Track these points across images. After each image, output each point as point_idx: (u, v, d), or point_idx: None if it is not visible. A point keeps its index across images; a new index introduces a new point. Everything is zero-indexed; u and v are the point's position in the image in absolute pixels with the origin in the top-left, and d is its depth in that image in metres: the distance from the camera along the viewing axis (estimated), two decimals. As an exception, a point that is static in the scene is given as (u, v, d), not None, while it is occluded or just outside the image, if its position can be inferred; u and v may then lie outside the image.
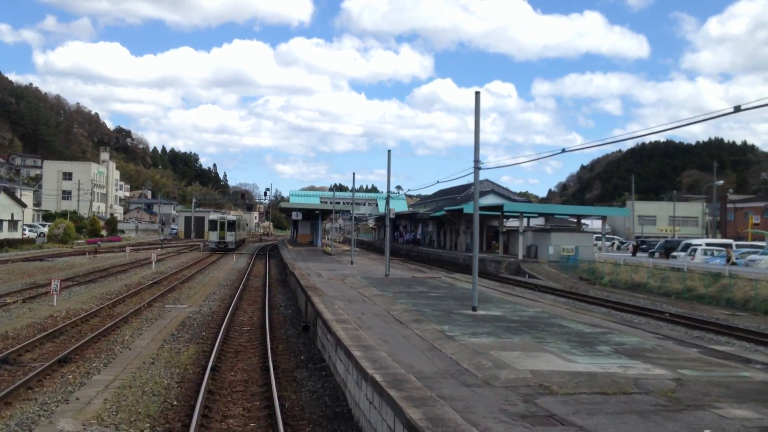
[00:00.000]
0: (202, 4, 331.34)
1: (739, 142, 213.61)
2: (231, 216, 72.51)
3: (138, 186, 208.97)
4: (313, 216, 67.57)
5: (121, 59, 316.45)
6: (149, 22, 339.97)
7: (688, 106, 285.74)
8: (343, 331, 13.63)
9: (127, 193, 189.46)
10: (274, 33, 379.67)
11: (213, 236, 69.69)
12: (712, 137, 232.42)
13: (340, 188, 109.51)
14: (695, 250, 45.41)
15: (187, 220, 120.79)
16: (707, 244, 47.67)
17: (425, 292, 23.14)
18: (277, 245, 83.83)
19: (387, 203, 37.67)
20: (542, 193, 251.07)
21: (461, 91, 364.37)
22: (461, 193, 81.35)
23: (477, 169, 17.56)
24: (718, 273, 34.31)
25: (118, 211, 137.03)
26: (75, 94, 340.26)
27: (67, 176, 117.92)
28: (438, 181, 51.11)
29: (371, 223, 61.60)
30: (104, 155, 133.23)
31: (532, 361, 10.26)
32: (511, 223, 65.89)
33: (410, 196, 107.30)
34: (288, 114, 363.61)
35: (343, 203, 74.03)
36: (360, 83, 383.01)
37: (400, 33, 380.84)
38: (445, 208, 62.31)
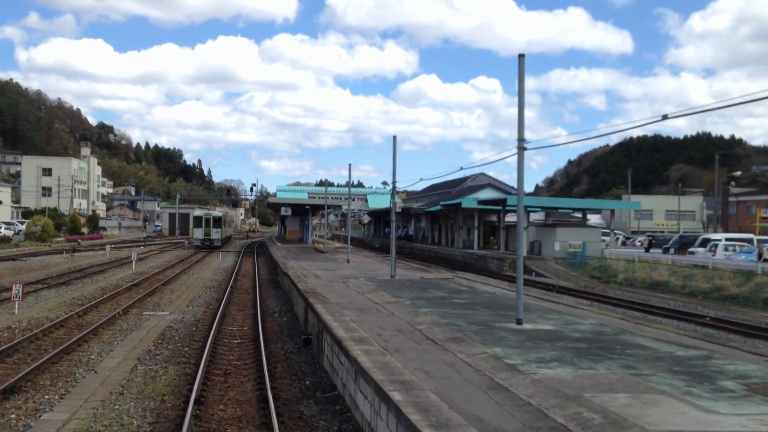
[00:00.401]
0: (186, 1, 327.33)
1: (726, 136, 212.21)
2: (216, 212, 69.25)
3: (121, 183, 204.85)
4: (302, 211, 64.38)
5: (104, 56, 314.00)
6: (133, 18, 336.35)
7: (672, 101, 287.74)
8: (365, 355, 10.60)
9: (110, 190, 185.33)
10: (259, 29, 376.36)
11: (198, 233, 66.35)
12: (699, 131, 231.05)
13: (324, 184, 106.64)
14: (716, 245, 42.63)
15: (172, 216, 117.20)
16: (727, 239, 44.89)
17: (446, 298, 20.04)
18: (264, 242, 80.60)
19: (393, 195, 34.64)
20: (528, 188, 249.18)
21: (446, 86, 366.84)
22: (456, 187, 78.43)
23: (521, 149, 14.43)
24: (749, 271, 31.49)
25: (101, 208, 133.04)
26: (58, 90, 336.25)
27: (47, 172, 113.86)
28: (439, 176, 47.84)
29: (366, 218, 58.27)
30: (85, 150, 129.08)
31: (654, 411, 7.20)
32: (510, 218, 63.08)
33: (397, 192, 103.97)
34: (273, 110, 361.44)
35: (332, 198, 70.74)
36: (345, 79, 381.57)
37: (384, 29, 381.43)
38: (442, 203, 59.35)
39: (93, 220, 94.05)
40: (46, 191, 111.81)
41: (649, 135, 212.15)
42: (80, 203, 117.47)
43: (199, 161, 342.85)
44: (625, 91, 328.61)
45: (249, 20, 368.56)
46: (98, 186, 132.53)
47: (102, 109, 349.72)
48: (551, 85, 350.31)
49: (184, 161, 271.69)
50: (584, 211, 57.67)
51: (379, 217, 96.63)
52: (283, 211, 55.68)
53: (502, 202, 51.33)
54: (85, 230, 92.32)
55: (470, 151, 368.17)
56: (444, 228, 71.34)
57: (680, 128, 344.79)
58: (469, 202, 53.58)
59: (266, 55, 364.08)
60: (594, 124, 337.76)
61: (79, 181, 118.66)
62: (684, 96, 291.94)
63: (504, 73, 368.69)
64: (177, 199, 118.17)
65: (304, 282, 25.08)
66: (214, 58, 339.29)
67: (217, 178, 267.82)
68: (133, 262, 43.06)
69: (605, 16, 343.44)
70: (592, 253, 46.38)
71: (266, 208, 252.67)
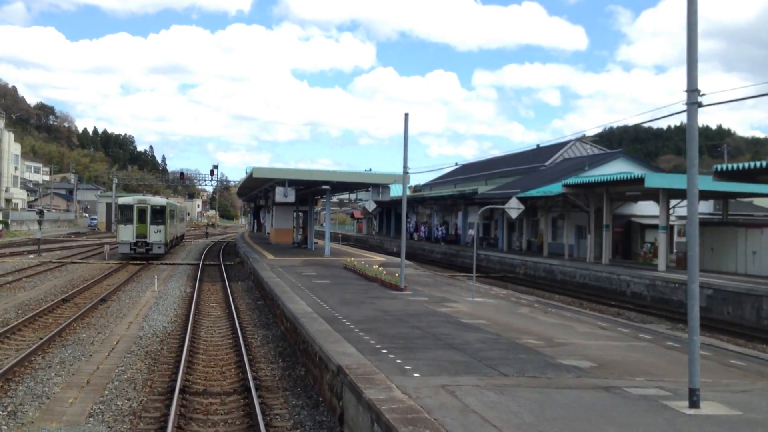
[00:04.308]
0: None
1: (713, 127, 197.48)
2: (157, 199, 42.97)
3: (62, 170, 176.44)
4: (305, 197, 38.80)
5: (56, 45, 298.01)
6: (84, 7, 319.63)
7: (624, 97, 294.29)
8: None
9: (46, 177, 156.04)
10: (213, 20, 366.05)
11: (125, 233, 40.23)
12: (683, 122, 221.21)
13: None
14: None
15: (108, 207, 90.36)
16: None
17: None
18: (235, 245, 54.51)
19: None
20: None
21: (403, 79, 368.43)
22: (516, 165, 53.21)
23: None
24: None
25: (20, 196, 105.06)
26: (8, 80, 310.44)
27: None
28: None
29: (371, 206, 32.77)
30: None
31: None
32: (642, 209, 38.78)
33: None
34: (229, 102, 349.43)
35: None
36: (302, 72, 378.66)
37: (341, 22, 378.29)
38: (567, 182, 34.26)
39: (-15, 211, 66.66)
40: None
41: (630, 125, 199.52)
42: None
43: (151, 147, 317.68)
44: (578, 87, 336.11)
45: (202, 12, 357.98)
46: (16, 168, 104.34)
47: (54, 99, 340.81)
48: (506, 80, 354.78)
49: (135, 148, 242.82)
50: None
51: (389, 208, 71.27)
52: (280, 195, 30.06)
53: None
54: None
55: (428, 145, 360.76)
56: (527, 226, 46.36)
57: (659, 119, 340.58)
58: (655, 179, 28.70)
59: (221, 46, 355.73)
60: (549, 119, 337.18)
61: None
62: (635, 92, 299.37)
63: (461, 67, 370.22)
64: (113, 185, 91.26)
65: None
66: (168, 49, 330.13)
67: (172, 168, 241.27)
68: None
69: (560, 11, 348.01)
70: None
71: (226, 199, 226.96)
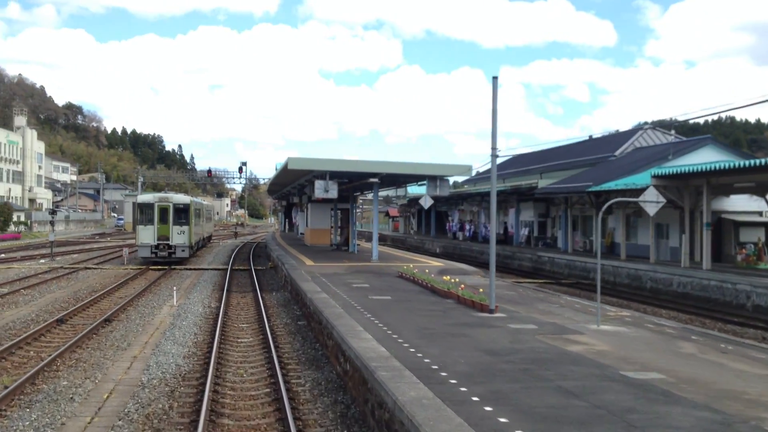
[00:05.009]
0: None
1: (752, 121, 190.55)
2: (180, 197, 38.31)
3: (90, 170, 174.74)
4: (345, 194, 33.95)
5: (85, 46, 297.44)
6: (113, 10, 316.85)
7: (653, 93, 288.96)
8: None
9: (74, 177, 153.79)
10: (240, 21, 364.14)
11: (145, 235, 35.79)
12: (722, 116, 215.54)
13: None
14: None
15: (134, 208, 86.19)
16: None
17: None
18: (266, 246, 49.94)
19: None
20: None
21: (429, 77, 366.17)
22: (590, 154, 47.76)
23: None
24: None
25: (44, 196, 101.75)
26: (36, 80, 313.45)
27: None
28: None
29: (426, 203, 27.67)
30: (19, 120, 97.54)
31: None
32: (735, 204, 33.48)
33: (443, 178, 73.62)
34: (256, 101, 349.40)
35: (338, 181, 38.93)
36: (328, 71, 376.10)
37: (366, 21, 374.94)
38: (657, 172, 28.98)
39: (3, 211, 62.92)
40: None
41: (666, 120, 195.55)
42: (9, 189, 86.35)
43: (180, 147, 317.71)
44: (607, 82, 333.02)
45: (229, 13, 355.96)
46: (40, 167, 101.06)
47: (83, 100, 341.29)
48: (533, 77, 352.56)
49: (164, 147, 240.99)
50: None
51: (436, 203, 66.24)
52: (320, 190, 25.31)
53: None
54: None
55: (454, 143, 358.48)
56: (587, 224, 41.15)
57: (692, 112, 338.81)
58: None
59: (248, 46, 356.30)
60: (577, 116, 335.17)
61: (8, 160, 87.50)
62: (665, 87, 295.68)
63: (487, 65, 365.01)
64: (139, 185, 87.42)
65: None
66: (196, 49, 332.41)
67: (200, 168, 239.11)
68: None
69: (587, 6, 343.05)
70: None
71: (255, 198, 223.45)
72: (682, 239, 30.31)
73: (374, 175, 27.25)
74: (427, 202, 27.79)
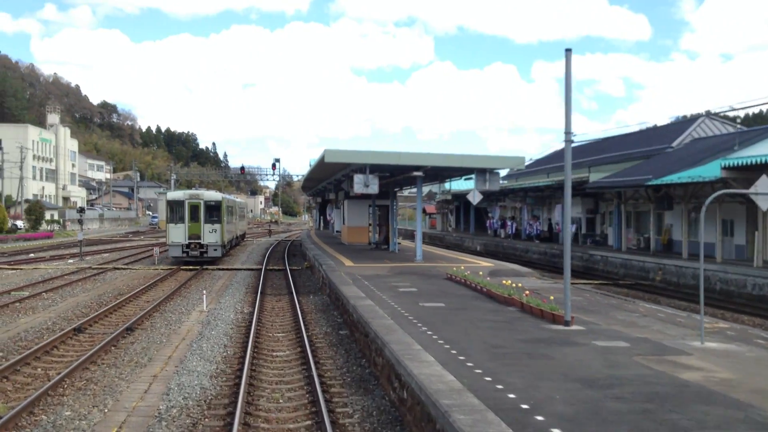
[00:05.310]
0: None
1: None
2: (212, 193, 36.55)
3: (125, 168, 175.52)
4: (385, 189, 31.83)
5: (120, 46, 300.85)
6: (147, 10, 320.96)
7: (689, 86, 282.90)
8: None
9: (108, 175, 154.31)
10: (272, 20, 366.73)
11: (176, 233, 34.17)
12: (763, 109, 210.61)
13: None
14: None
15: (165, 205, 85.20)
16: None
17: None
18: (300, 245, 48.15)
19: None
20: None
21: (461, 73, 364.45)
22: (641, 146, 44.98)
23: None
24: None
25: (78, 194, 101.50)
26: (72, 79, 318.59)
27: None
28: None
29: (475, 199, 25.14)
30: (52, 117, 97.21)
31: None
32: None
33: (494, 171, 71.10)
34: (289, 99, 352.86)
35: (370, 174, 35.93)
36: (360, 68, 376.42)
37: (398, 18, 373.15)
38: (728, 163, 26.42)
39: (35, 210, 62.03)
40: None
41: (720, 112, 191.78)
42: (42, 187, 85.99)
43: (214, 144, 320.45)
44: (641, 77, 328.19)
45: (261, 12, 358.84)
46: (74, 165, 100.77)
47: (118, 99, 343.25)
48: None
49: (197, 145, 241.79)
50: None
51: (467, 202, 63.93)
52: (359, 185, 23.29)
53: None
54: (20, 224, 60.62)
55: (486, 138, 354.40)
56: (640, 220, 38.61)
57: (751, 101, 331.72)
58: None
59: (280, 44, 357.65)
60: (612, 110, 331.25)
61: (41, 158, 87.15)
62: (701, 81, 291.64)
63: (520, 60, 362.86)
64: (172, 182, 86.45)
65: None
66: (229, 48, 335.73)
67: (233, 166, 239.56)
68: None
69: (621, 0, 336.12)
70: None
71: (289, 195, 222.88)
72: (756, 237, 27.65)
73: (418, 168, 25.11)
74: (475, 198, 25.55)
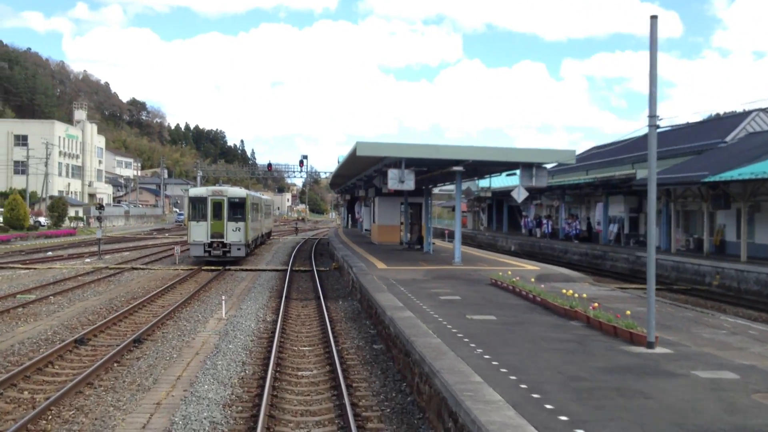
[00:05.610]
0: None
1: None
2: (236, 190, 34.72)
3: (153, 165, 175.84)
4: (420, 187, 29.70)
5: (151, 45, 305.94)
6: (177, 9, 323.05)
7: (721, 84, 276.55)
8: None
9: (136, 172, 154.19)
10: (301, 18, 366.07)
11: (198, 232, 32.44)
12: None
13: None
14: None
15: (186, 202, 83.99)
16: None
17: None
18: (328, 243, 46.20)
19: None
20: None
21: (490, 71, 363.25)
22: (689, 142, 42.35)
23: None
24: None
25: (104, 191, 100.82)
26: (101, 76, 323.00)
27: (21, 141, 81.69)
28: None
29: (520, 196, 22.71)
30: (79, 114, 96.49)
31: None
32: None
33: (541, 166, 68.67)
34: (317, 97, 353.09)
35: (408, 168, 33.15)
36: (388, 66, 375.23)
37: (426, 16, 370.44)
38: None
39: (57, 206, 60.89)
40: (20, 166, 79.75)
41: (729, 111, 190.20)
42: (68, 184, 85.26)
43: (242, 141, 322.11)
44: (672, 75, 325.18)
45: (289, 10, 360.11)
46: (100, 162, 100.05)
47: (148, 97, 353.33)
48: (596, 69, 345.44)
49: (226, 143, 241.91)
50: None
51: (500, 200, 61.74)
52: (394, 180, 21.17)
53: None
54: (42, 220, 59.53)
55: (515, 137, 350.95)
56: (688, 219, 36.10)
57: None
58: None
59: (308, 42, 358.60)
60: (642, 108, 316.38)
61: (67, 154, 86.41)
62: (733, 80, 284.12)
63: (549, 58, 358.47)
64: (198, 179, 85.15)
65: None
66: (258, 46, 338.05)
67: (261, 163, 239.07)
68: None
69: None
70: None
71: (316, 193, 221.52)
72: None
73: (458, 162, 22.93)
74: (520, 195, 23.27)
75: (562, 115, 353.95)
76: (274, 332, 15.74)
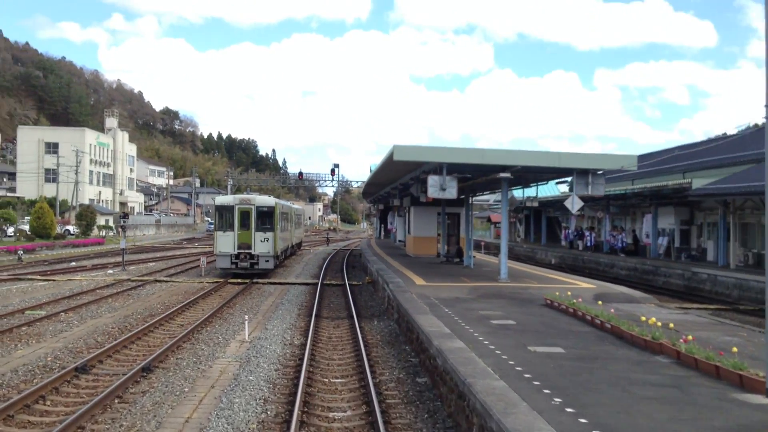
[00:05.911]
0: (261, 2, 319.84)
1: None
2: (264, 198, 32.82)
3: (185, 174, 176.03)
4: (460, 197, 27.57)
5: (186, 55, 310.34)
6: (210, 20, 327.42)
7: (757, 95, 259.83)
8: None
9: (170, 181, 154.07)
10: (332, 28, 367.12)
11: (224, 242, 30.67)
12: None
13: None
14: None
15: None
16: None
17: None
18: (360, 255, 44.21)
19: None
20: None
21: (522, 81, 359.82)
22: (744, 150, 39.74)
23: None
24: None
25: (136, 199, 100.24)
26: (134, 85, 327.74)
27: (52, 148, 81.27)
28: None
29: (574, 206, 20.39)
30: (110, 121, 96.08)
31: None
32: None
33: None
34: (348, 107, 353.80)
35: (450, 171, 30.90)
36: (419, 76, 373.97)
37: (457, 26, 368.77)
38: None
39: (86, 215, 59.82)
40: (52, 174, 79.26)
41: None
42: (99, 192, 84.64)
43: (273, 151, 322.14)
44: (707, 85, 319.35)
45: (321, 20, 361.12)
46: (131, 170, 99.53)
47: (181, 107, 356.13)
48: (630, 79, 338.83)
49: (257, 152, 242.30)
50: None
51: (538, 210, 59.24)
52: (434, 188, 19.22)
53: None
54: (70, 228, 58.51)
55: (548, 148, 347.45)
56: (744, 232, 33.43)
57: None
58: None
59: (340, 52, 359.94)
60: (676, 119, 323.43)
61: (98, 162, 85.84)
62: None
63: (582, 67, 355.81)
64: (229, 188, 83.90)
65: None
66: (290, 56, 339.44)
67: (292, 172, 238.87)
68: None
69: (686, 6, 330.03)
70: None
71: (348, 202, 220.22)
72: None
73: (505, 168, 20.78)
74: (574, 205, 21.04)
75: (594, 125, 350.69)
76: (302, 359, 13.79)
